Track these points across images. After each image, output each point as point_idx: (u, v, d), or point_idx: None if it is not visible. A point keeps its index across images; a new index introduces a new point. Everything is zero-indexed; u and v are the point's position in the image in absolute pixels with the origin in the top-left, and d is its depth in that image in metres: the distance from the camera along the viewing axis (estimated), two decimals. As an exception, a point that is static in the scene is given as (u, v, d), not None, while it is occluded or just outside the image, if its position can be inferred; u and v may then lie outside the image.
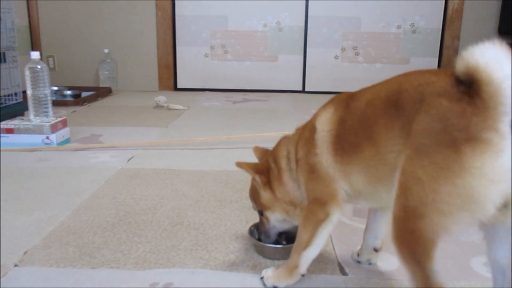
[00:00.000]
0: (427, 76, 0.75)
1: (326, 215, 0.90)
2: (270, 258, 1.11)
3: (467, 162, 0.65)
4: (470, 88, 0.67)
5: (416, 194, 0.70)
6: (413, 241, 0.72)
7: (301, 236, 0.94)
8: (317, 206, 0.91)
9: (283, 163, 1.02)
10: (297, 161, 0.97)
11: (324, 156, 0.89)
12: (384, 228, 1.05)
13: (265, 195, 1.04)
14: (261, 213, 1.09)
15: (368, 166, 0.83)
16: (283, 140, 1.06)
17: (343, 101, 0.91)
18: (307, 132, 0.96)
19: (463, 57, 0.68)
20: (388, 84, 0.82)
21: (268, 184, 1.03)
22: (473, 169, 0.65)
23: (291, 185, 1.01)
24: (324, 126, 0.91)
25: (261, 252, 1.13)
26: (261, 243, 1.12)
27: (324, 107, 0.95)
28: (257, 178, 1.03)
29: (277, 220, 1.07)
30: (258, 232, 1.15)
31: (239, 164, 1.03)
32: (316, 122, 0.93)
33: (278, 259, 1.11)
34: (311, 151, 0.92)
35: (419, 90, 0.74)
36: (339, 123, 0.88)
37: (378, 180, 0.83)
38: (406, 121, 0.74)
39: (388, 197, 0.87)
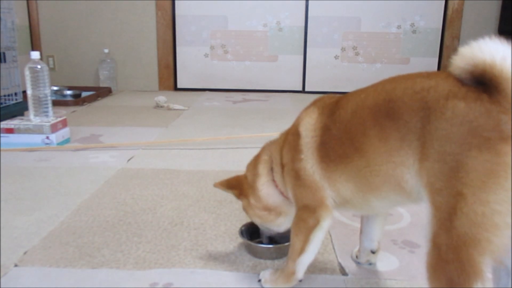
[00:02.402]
0: (421, 81, 0.71)
1: (316, 222, 0.89)
2: (261, 258, 1.11)
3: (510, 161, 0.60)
4: (480, 86, 0.64)
5: (463, 214, 0.63)
6: (458, 273, 0.64)
7: (294, 244, 0.93)
8: (306, 213, 0.90)
9: (261, 168, 1.03)
10: (282, 166, 0.96)
11: (309, 162, 0.88)
12: (379, 230, 1.05)
13: (243, 203, 1.08)
14: None
15: (357, 176, 0.81)
16: (266, 145, 1.07)
17: (327, 106, 0.89)
18: (291, 137, 0.94)
19: (467, 54, 0.65)
20: (374, 92, 0.79)
21: (243, 194, 1.06)
22: None
23: (266, 190, 1.02)
24: (308, 132, 0.89)
25: (252, 252, 1.13)
26: (252, 243, 1.13)
27: (307, 111, 0.93)
28: (231, 193, 1.09)
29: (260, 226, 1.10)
30: (248, 232, 1.18)
31: (216, 185, 1.09)
32: (300, 127, 0.92)
33: (269, 259, 1.11)
34: (296, 157, 0.90)
35: (417, 97, 0.70)
36: (323, 129, 0.86)
37: (369, 190, 0.81)
38: (407, 132, 0.71)
39: (379, 206, 0.85)
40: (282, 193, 1.00)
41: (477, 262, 0.63)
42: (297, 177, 0.91)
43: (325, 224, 0.89)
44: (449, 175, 0.65)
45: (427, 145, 0.68)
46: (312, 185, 0.88)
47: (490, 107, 0.62)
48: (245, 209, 1.08)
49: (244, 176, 1.08)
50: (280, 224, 1.04)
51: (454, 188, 0.64)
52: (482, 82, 0.64)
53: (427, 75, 0.72)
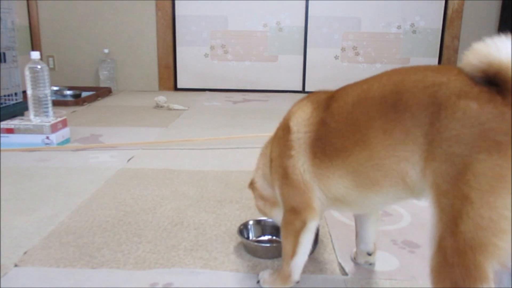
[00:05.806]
0: (432, 75, 0.68)
1: (303, 224, 0.87)
2: (260, 257, 1.11)
3: None
4: (493, 86, 0.62)
5: (469, 219, 0.61)
6: (464, 278, 0.63)
7: (285, 247, 0.92)
8: (293, 216, 0.89)
9: (259, 160, 1.07)
10: (271, 160, 0.95)
11: (301, 159, 0.85)
12: (373, 232, 1.05)
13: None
14: None
15: (357, 171, 0.77)
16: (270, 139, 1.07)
17: (322, 101, 0.85)
18: (280, 131, 0.92)
19: (481, 52, 0.63)
20: (379, 84, 0.75)
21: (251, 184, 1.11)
22: None
23: (261, 183, 1.05)
24: (301, 127, 0.86)
25: (251, 252, 1.13)
26: (251, 242, 1.13)
27: (299, 105, 0.90)
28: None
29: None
30: (247, 231, 1.19)
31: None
32: (291, 121, 0.88)
33: (268, 258, 1.11)
34: (285, 153, 0.87)
35: (428, 92, 0.67)
36: (319, 125, 0.83)
37: (369, 185, 0.77)
38: (413, 125, 0.68)
39: (377, 202, 0.82)
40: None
41: (483, 267, 0.62)
42: (285, 175, 0.88)
43: (312, 225, 0.88)
44: (456, 177, 0.63)
45: (435, 144, 0.65)
46: (300, 186, 0.86)
47: (504, 110, 0.60)
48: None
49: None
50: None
51: (461, 191, 0.62)
52: (495, 83, 0.62)
53: (437, 70, 0.70)
